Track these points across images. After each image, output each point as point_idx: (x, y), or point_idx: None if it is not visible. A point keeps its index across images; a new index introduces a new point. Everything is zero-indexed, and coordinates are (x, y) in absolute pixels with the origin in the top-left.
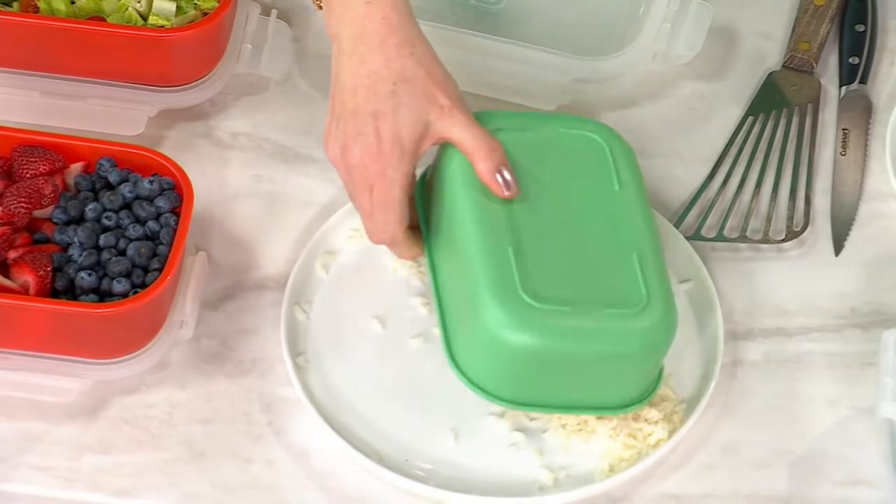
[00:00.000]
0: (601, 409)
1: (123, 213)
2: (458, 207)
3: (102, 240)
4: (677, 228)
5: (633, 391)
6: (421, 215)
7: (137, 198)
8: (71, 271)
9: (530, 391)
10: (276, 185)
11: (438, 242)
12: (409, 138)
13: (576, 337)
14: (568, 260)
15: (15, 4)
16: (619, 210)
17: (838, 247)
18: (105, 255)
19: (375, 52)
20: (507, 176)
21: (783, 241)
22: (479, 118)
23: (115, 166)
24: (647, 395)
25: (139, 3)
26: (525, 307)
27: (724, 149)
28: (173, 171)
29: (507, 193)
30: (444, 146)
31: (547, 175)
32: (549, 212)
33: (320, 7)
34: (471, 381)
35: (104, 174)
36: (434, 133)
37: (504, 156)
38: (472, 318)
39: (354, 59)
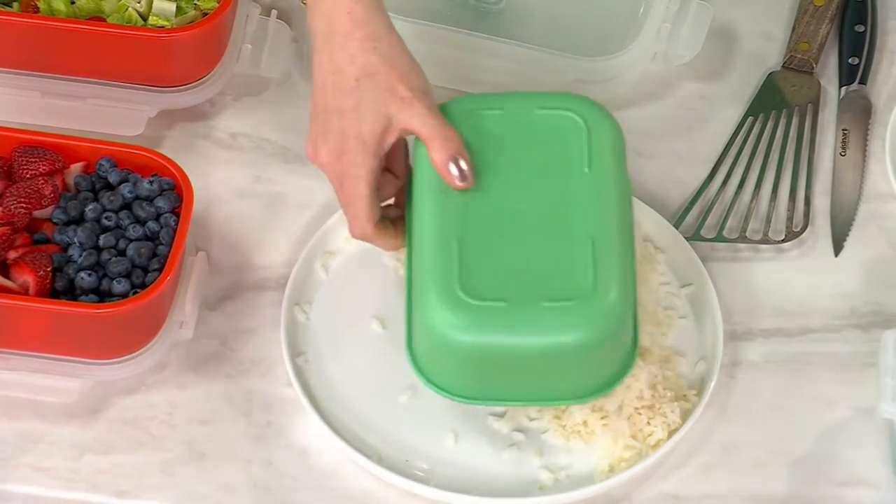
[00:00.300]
0: (562, 399)
1: (123, 214)
2: (419, 200)
3: (102, 240)
4: (677, 229)
5: (592, 380)
6: (407, 208)
7: (137, 198)
8: (71, 272)
9: (483, 385)
10: (276, 186)
11: (409, 236)
12: (370, 134)
13: (511, 332)
14: (516, 251)
15: (15, 4)
16: (584, 194)
17: (838, 247)
18: (105, 256)
19: (340, 48)
20: (462, 166)
21: (783, 241)
22: (455, 102)
23: (115, 167)
24: (612, 383)
25: (139, 3)
26: (461, 304)
27: (724, 149)
28: (173, 171)
29: (459, 184)
30: (417, 140)
31: (513, 160)
32: (507, 199)
33: (304, 3)
34: (427, 378)
35: (104, 174)
36: (396, 126)
37: (460, 146)
38: (419, 314)
39: (323, 56)
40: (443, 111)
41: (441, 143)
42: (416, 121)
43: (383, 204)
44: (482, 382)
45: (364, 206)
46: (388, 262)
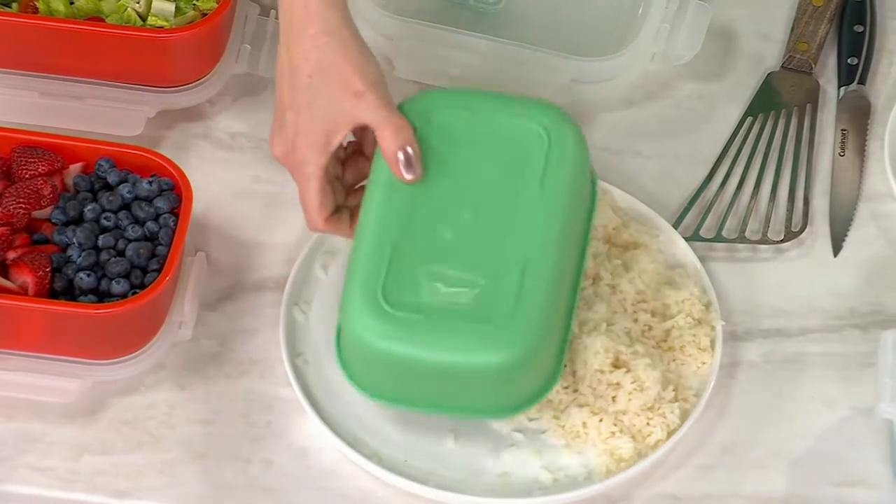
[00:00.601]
0: (478, 412)
1: (122, 214)
2: (369, 196)
3: (101, 240)
4: (676, 229)
5: (507, 399)
6: (363, 200)
7: (136, 198)
8: (70, 272)
9: (401, 390)
10: (275, 186)
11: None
12: (322, 131)
13: (422, 346)
14: (447, 263)
15: (14, 5)
16: (529, 213)
17: (837, 247)
18: (104, 256)
19: (296, 43)
20: (410, 154)
21: (782, 241)
22: (424, 96)
23: (114, 167)
24: (530, 402)
25: (138, 3)
26: (380, 311)
27: (723, 149)
28: (172, 171)
29: (407, 176)
30: None
31: (469, 166)
32: (452, 206)
33: None
34: (350, 376)
35: (103, 175)
36: (349, 120)
37: (410, 136)
38: (343, 312)
39: (282, 51)
40: (411, 104)
41: (391, 132)
42: (367, 113)
43: (358, 186)
44: (399, 387)
45: (314, 201)
46: None
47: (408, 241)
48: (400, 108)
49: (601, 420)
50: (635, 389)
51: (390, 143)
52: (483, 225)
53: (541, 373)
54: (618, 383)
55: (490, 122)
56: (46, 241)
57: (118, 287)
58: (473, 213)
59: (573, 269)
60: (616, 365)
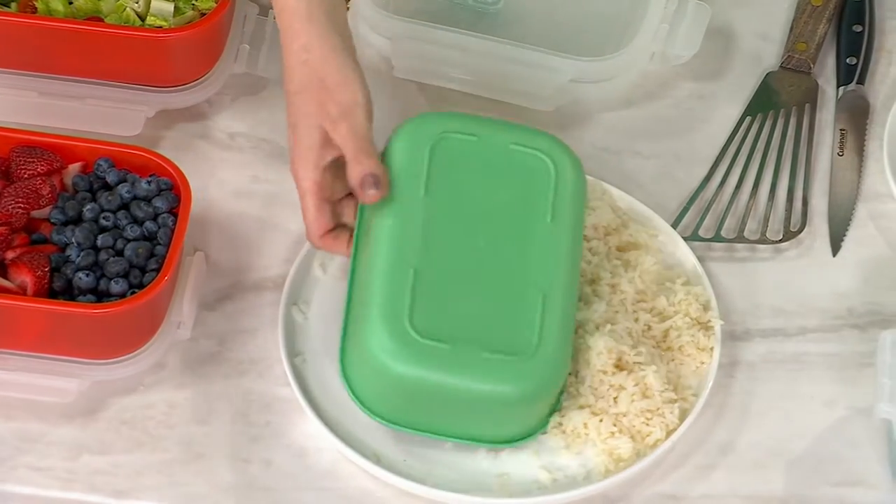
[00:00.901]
0: (484, 441)
1: (121, 214)
2: (378, 218)
3: (100, 240)
4: (675, 229)
5: (512, 430)
6: (358, 218)
7: (135, 198)
8: (69, 272)
9: (408, 415)
10: (274, 186)
11: (359, 251)
12: (308, 148)
13: (450, 375)
14: (469, 292)
15: (13, 5)
16: (542, 245)
17: (835, 247)
18: (103, 256)
19: (286, 55)
20: (376, 184)
21: (781, 241)
22: (431, 117)
23: (113, 167)
24: (530, 434)
25: (137, 3)
26: (405, 337)
27: (722, 149)
28: (171, 171)
29: (369, 196)
30: (388, 141)
31: (480, 193)
32: (469, 234)
33: None
34: (355, 394)
35: (102, 174)
36: (330, 141)
37: (375, 165)
38: (359, 333)
39: (281, 62)
40: (417, 125)
41: (356, 162)
42: (339, 140)
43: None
44: (408, 412)
45: (310, 216)
46: None
47: (429, 267)
48: (407, 128)
49: (601, 420)
50: (639, 393)
51: (354, 172)
52: (498, 253)
53: (552, 401)
54: (621, 386)
55: (497, 148)
56: (45, 241)
57: (117, 287)
58: (487, 241)
59: (576, 299)
60: (619, 366)
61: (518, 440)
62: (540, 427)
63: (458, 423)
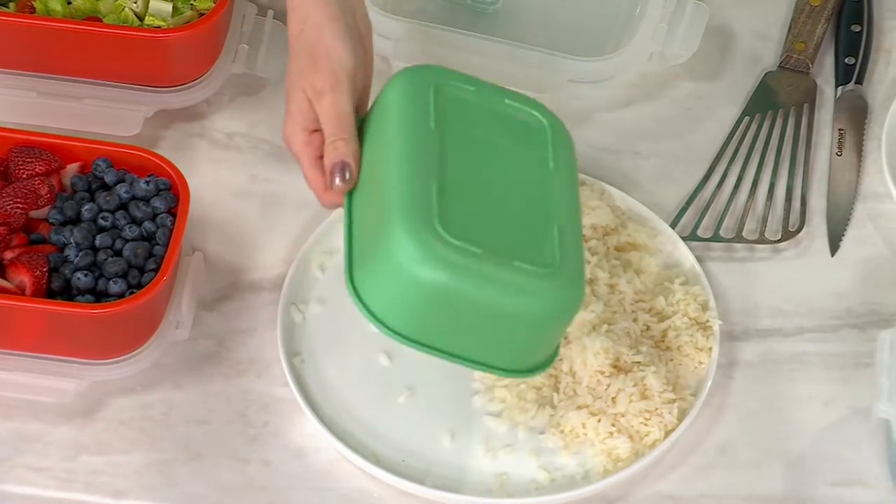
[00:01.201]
0: (492, 367)
1: (120, 214)
2: (390, 137)
3: (99, 240)
4: (673, 229)
5: (525, 357)
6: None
7: (134, 198)
8: (67, 272)
9: (427, 331)
10: (273, 186)
11: (363, 177)
12: (297, 111)
13: (480, 281)
14: (490, 209)
15: (11, 5)
16: (550, 185)
17: (834, 247)
18: (101, 256)
19: (289, 24)
20: (346, 174)
21: (779, 241)
22: (429, 69)
23: (112, 167)
24: (538, 368)
25: (135, 3)
26: (437, 239)
27: (721, 149)
28: (169, 171)
29: (338, 185)
30: (384, 87)
31: (484, 134)
32: (482, 165)
33: None
34: (371, 313)
35: (100, 175)
36: (315, 112)
37: (352, 151)
38: (381, 244)
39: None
40: (417, 73)
41: (332, 147)
42: (321, 116)
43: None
44: (426, 325)
45: (309, 176)
46: None
47: (449, 183)
48: (407, 72)
49: (599, 420)
50: (638, 393)
51: (328, 158)
52: (512, 186)
53: (563, 331)
54: (619, 387)
55: (494, 101)
56: (44, 241)
57: (115, 287)
58: (499, 175)
59: (582, 241)
60: (617, 366)
61: (527, 372)
62: (548, 362)
63: (477, 344)
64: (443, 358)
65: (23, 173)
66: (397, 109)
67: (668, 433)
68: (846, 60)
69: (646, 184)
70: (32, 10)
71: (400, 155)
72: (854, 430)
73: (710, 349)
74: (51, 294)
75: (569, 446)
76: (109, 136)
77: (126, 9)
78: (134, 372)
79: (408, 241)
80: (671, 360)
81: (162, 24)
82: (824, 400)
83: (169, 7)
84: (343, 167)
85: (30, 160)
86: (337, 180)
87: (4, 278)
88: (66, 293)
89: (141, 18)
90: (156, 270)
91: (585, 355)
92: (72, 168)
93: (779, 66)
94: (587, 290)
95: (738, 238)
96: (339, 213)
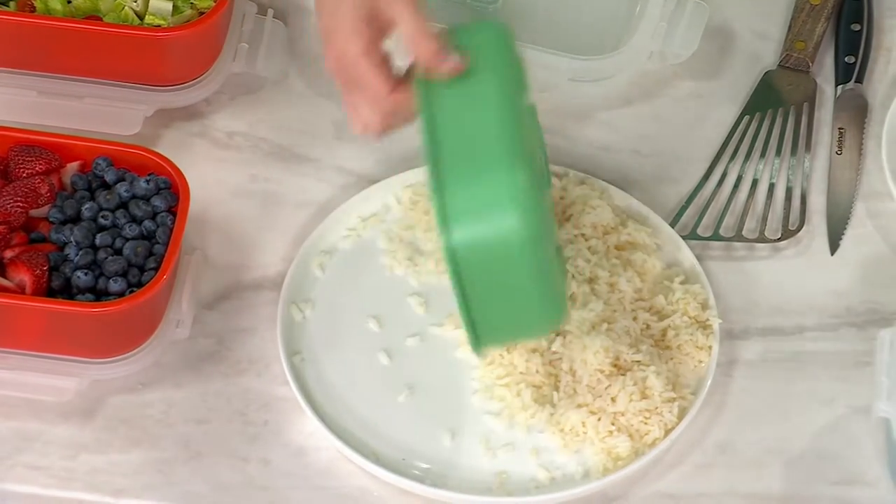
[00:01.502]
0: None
1: (120, 213)
2: (493, 91)
3: (99, 239)
4: (673, 228)
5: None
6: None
7: (134, 197)
8: (67, 270)
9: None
10: (273, 185)
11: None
12: (354, 19)
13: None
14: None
15: (11, 4)
16: (530, 120)
17: (834, 246)
18: (101, 255)
19: None
20: (447, 54)
21: (779, 240)
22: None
23: (112, 165)
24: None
25: (135, 2)
26: (530, 185)
27: (720, 148)
28: (169, 170)
29: (451, 64)
30: (477, 33)
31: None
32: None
33: None
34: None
35: (100, 173)
36: (381, 15)
37: (442, 40)
38: (486, 174)
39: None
40: (508, 32)
41: (421, 36)
42: (396, 14)
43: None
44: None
45: (370, 78)
46: (385, 260)
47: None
48: (505, 29)
49: (599, 419)
50: (638, 392)
51: (423, 48)
52: (517, 123)
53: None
54: (619, 386)
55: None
56: (44, 240)
57: (115, 286)
58: (511, 112)
59: None
60: (616, 365)
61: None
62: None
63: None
64: (458, 301)
65: (23, 172)
66: (504, 66)
67: (667, 432)
68: (846, 59)
69: (645, 183)
70: (33, 9)
71: (509, 117)
72: (854, 428)
73: (710, 348)
74: (51, 293)
75: (568, 445)
76: (109, 134)
77: (126, 8)
78: (134, 371)
79: (520, 179)
80: (671, 358)
81: (162, 22)
82: (824, 399)
83: (169, 6)
84: (447, 49)
85: (30, 159)
86: (451, 61)
87: (4, 277)
88: (67, 292)
89: (141, 17)
90: (156, 269)
91: (585, 354)
92: (72, 167)
93: (779, 65)
94: (587, 288)
95: (738, 237)
96: (339, 214)
